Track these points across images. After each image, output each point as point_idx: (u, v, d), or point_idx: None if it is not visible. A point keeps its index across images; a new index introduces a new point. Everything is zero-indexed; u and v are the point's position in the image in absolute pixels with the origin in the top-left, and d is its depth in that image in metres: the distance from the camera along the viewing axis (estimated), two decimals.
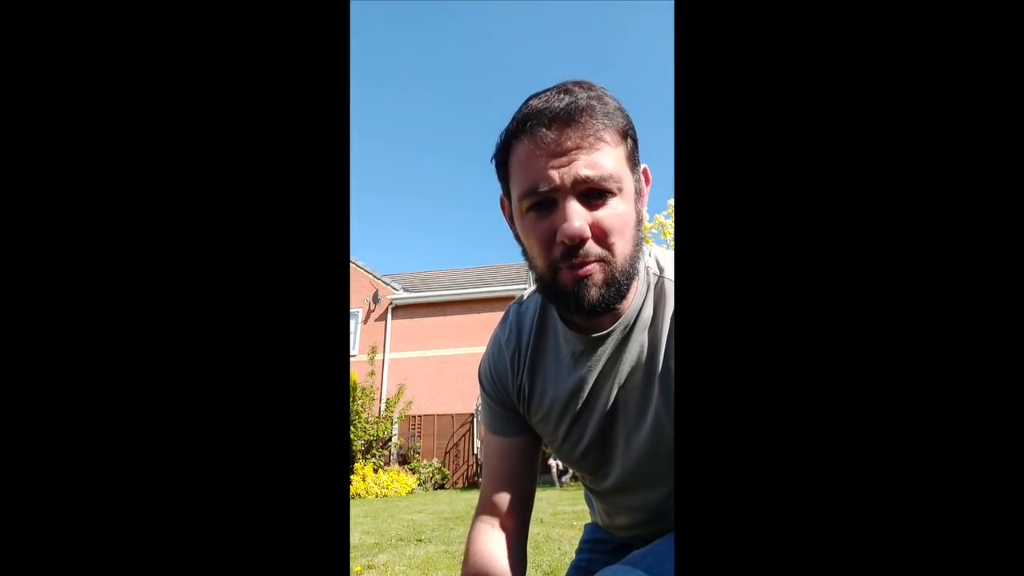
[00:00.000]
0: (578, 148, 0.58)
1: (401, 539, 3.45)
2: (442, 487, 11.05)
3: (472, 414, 11.86)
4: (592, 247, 0.59)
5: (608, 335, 0.67)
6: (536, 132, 0.58)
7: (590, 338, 0.68)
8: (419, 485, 10.45)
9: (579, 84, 0.62)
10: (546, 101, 0.59)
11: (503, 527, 0.76)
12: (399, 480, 9.82)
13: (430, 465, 11.12)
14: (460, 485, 11.40)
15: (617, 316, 0.67)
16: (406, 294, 13.81)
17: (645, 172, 0.67)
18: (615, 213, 0.59)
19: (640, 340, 0.68)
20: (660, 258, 0.71)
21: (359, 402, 11.12)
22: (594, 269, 0.59)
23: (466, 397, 12.38)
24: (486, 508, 0.77)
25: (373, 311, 13.93)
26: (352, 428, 10.86)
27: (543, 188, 0.58)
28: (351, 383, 10.74)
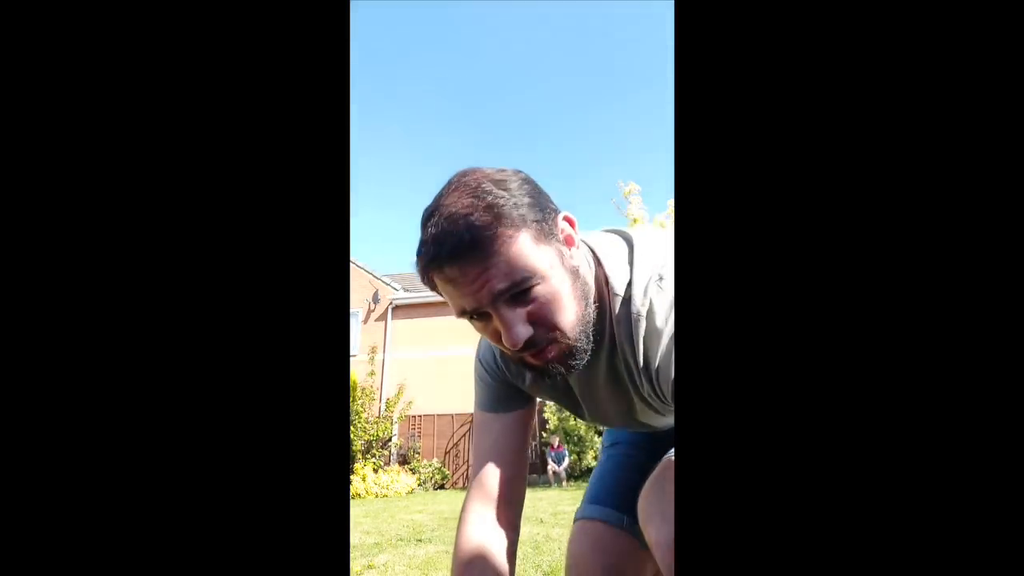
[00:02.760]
0: (483, 271, 0.59)
1: (401, 539, 3.45)
2: (442, 487, 11.04)
3: (472, 414, 11.82)
4: (540, 335, 0.62)
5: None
6: (442, 269, 0.60)
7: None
8: (419, 485, 10.44)
9: (461, 197, 0.59)
10: (435, 237, 0.59)
11: (502, 504, 0.80)
12: (399, 480, 9.81)
13: (430, 465, 11.11)
14: (460, 485, 11.38)
15: None
16: (406, 294, 13.80)
17: (566, 219, 0.65)
18: (545, 299, 0.61)
19: (610, 362, 0.71)
20: (638, 274, 0.67)
21: (359, 402, 11.11)
22: (552, 353, 0.64)
23: (466, 397, 12.34)
24: (485, 489, 0.81)
25: (373, 311, 13.92)
26: (352, 428, 10.85)
27: (469, 309, 0.62)
28: (351, 383, 10.74)
